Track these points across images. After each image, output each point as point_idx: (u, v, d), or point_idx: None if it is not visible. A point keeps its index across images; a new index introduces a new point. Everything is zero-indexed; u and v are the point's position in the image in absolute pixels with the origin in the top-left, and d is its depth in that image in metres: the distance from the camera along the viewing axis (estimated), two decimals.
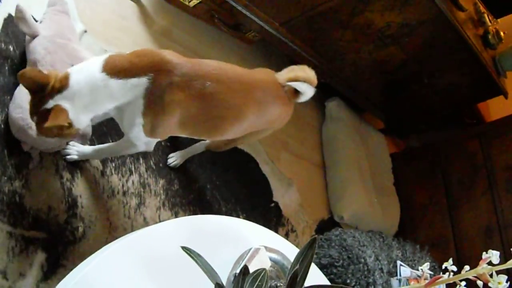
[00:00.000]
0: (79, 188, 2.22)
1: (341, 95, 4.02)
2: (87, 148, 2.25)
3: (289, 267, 1.51)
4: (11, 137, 2.02)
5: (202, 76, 1.95)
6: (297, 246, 3.24)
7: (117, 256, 1.26)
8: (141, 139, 2.02)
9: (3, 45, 2.13)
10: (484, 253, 1.15)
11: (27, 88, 1.76)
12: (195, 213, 2.72)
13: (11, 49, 2.16)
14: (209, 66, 2.02)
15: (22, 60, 2.16)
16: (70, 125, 1.80)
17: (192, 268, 1.19)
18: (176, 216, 2.62)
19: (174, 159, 2.72)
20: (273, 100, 2.26)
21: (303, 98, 2.36)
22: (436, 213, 4.21)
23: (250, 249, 1.49)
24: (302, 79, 2.26)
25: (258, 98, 2.18)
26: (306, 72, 2.29)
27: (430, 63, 3.50)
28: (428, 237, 4.16)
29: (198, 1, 2.96)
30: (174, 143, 2.78)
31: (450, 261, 1.19)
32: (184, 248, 1.20)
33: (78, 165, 2.25)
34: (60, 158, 2.18)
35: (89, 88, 1.79)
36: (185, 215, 2.66)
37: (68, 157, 2.22)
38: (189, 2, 2.98)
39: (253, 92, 2.15)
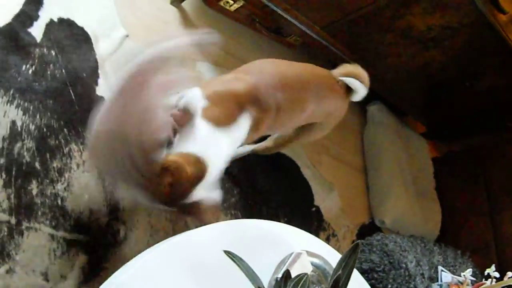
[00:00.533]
0: (121, 191, 2.22)
1: (382, 99, 4.00)
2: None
3: (330, 272, 1.50)
4: (53, 141, 2.04)
5: (273, 91, 2.02)
6: (338, 251, 3.22)
7: (158, 260, 1.26)
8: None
9: (45, 50, 2.15)
10: None
11: (171, 189, 1.66)
12: (236, 217, 2.72)
13: (53, 54, 2.18)
14: (273, 77, 2.07)
15: (64, 65, 2.18)
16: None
17: (234, 272, 1.19)
18: (217, 220, 2.61)
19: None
20: (329, 93, 2.34)
21: (356, 97, 2.46)
22: (477, 218, 4.16)
23: (292, 253, 1.49)
24: (353, 75, 2.36)
25: (316, 90, 2.24)
26: (358, 69, 2.40)
27: (471, 66, 3.46)
28: (469, 243, 4.11)
29: (239, 6, 2.96)
30: None
31: (493, 267, 1.17)
32: (226, 252, 1.20)
33: None
34: None
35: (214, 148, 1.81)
36: (226, 219, 2.66)
37: None
38: (230, 6, 2.98)
39: (311, 86, 2.22)
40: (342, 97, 2.41)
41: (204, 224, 1.60)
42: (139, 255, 1.31)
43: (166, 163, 1.61)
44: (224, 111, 1.85)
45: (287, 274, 1.22)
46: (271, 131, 2.33)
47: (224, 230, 1.48)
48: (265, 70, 2.09)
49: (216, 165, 1.76)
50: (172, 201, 1.68)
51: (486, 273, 1.61)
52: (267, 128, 2.12)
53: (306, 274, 1.22)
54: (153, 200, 1.67)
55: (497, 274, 1.90)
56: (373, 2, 2.76)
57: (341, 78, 2.35)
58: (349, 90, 2.41)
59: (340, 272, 1.21)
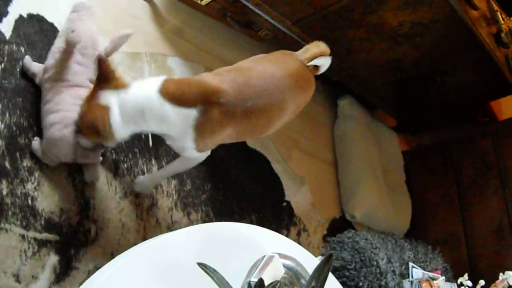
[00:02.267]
0: (91, 190, 2.22)
1: (353, 93, 4.01)
2: (145, 178, 2.42)
3: (303, 273, 1.52)
4: (22, 140, 2.02)
5: (245, 97, 2.00)
6: (308, 246, 3.25)
7: (131, 266, 1.25)
8: (195, 155, 2.12)
9: (14, 46, 2.13)
10: (501, 274, 1.14)
11: (98, 73, 1.91)
12: (207, 214, 2.72)
13: (22, 50, 2.15)
14: (245, 85, 2.04)
15: (34, 61, 2.15)
16: (109, 129, 1.88)
17: (208, 279, 1.19)
18: (188, 217, 2.61)
19: None
20: (305, 84, 2.33)
21: (322, 70, 2.48)
22: (447, 211, 4.18)
23: (264, 256, 1.49)
24: (319, 54, 2.34)
25: (294, 91, 2.24)
26: (319, 46, 2.38)
27: (443, 62, 3.48)
28: (439, 235, 4.13)
29: (210, 0, 2.95)
30: None
31: (466, 276, 1.18)
32: (200, 264, 1.19)
33: None
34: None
35: (145, 102, 1.88)
36: (197, 215, 2.67)
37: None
38: (201, 0, 2.97)
39: (290, 87, 2.21)
40: (313, 82, 2.41)
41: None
42: (112, 261, 1.30)
43: None
44: (179, 91, 1.91)
45: (260, 283, 1.23)
46: (246, 137, 2.29)
47: (196, 233, 1.47)
48: (238, 78, 2.05)
49: (131, 105, 1.91)
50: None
51: (459, 281, 1.62)
52: (235, 136, 2.14)
53: (278, 281, 1.23)
54: None
55: (469, 283, 1.91)
56: None
57: (309, 63, 2.34)
58: (315, 67, 2.42)
59: (313, 283, 1.21)
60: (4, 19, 2.13)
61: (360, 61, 3.43)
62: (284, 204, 3.31)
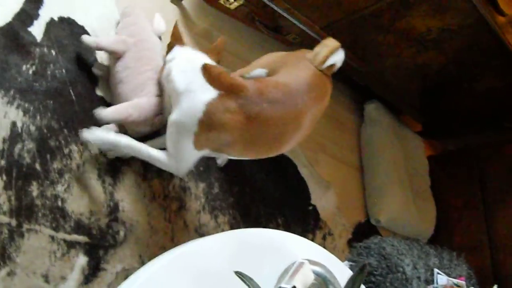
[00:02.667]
0: (121, 192, 2.23)
1: (379, 97, 4.00)
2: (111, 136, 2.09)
3: (331, 280, 1.51)
4: (53, 142, 2.04)
5: (261, 100, 1.98)
6: (333, 249, 3.25)
7: (166, 272, 1.25)
8: (180, 156, 2.04)
9: (45, 49, 2.14)
10: None
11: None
12: (234, 217, 2.72)
13: (53, 53, 2.17)
14: (269, 86, 2.05)
15: (64, 64, 2.17)
16: None
17: (241, 283, 1.19)
18: (216, 220, 2.62)
19: (222, 159, 2.74)
20: (320, 93, 2.25)
21: (338, 66, 2.39)
22: (472, 217, 4.16)
23: (294, 263, 1.49)
24: (330, 54, 2.27)
25: (310, 104, 2.17)
26: (328, 45, 2.32)
27: (470, 67, 3.45)
28: (463, 242, 4.11)
29: (239, 4, 2.95)
30: None
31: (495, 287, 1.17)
32: (237, 273, 1.20)
33: (120, 170, 2.26)
34: (101, 163, 2.18)
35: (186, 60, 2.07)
36: (224, 219, 2.67)
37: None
38: (230, 4, 2.97)
39: (307, 100, 2.14)
40: (329, 86, 2.35)
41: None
42: (145, 266, 1.30)
43: None
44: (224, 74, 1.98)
45: None
46: (253, 150, 2.17)
47: (227, 240, 1.47)
48: (265, 83, 2.08)
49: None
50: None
51: None
52: (241, 145, 2.05)
53: None
54: None
55: None
56: (374, 3, 2.75)
57: (324, 66, 2.27)
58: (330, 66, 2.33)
59: None
60: (35, 22, 2.15)
61: (388, 66, 3.42)
62: (310, 208, 3.31)
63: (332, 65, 2.32)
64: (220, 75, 1.94)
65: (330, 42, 2.32)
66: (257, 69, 2.42)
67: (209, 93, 1.91)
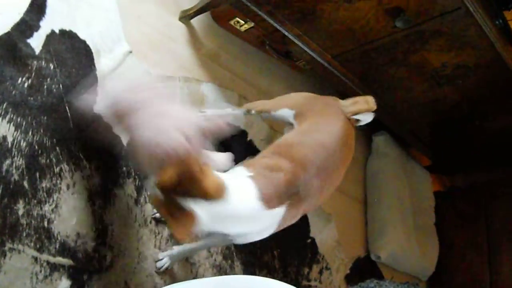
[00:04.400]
0: (111, 215, 2.17)
1: (388, 129, 3.93)
2: (176, 251, 2.32)
3: None
4: (44, 160, 1.97)
5: (310, 179, 1.97)
6: (329, 284, 3.17)
7: None
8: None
9: (43, 62, 2.08)
10: None
11: (179, 174, 1.61)
12: (228, 247, 2.65)
13: (51, 67, 2.10)
14: (311, 163, 2.01)
15: (62, 79, 2.11)
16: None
17: None
18: (209, 249, 2.55)
19: None
20: (348, 142, 2.28)
21: (361, 124, 2.41)
22: (475, 257, 4.10)
23: None
24: (365, 111, 2.32)
25: (343, 154, 2.21)
26: (369, 104, 2.35)
27: (483, 105, 3.40)
28: (464, 282, 4.06)
29: (249, 26, 2.90)
30: None
31: None
32: None
33: (112, 192, 2.19)
34: (93, 184, 2.12)
35: (243, 213, 1.78)
36: (218, 248, 2.60)
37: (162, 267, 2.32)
38: (241, 26, 2.93)
39: (340, 152, 2.18)
40: (354, 135, 2.35)
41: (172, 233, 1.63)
42: None
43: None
44: (274, 190, 1.84)
45: None
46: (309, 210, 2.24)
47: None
48: (308, 157, 2.02)
49: (228, 214, 1.74)
50: (168, 186, 1.63)
51: None
52: (304, 211, 2.09)
53: None
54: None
55: None
56: (389, 34, 2.69)
57: (353, 116, 2.30)
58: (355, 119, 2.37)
59: None
60: (35, 34, 2.08)
61: (399, 99, 3.36)
62: (309, 240, 3.23)
63: (357, 119, 2.35)
64: (277, 193, 1.86)
65: (371, 101, 2.36)
66: (284, 109, 2.40)
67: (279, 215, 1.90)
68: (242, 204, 1.75)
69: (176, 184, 1.60)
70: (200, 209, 1.65)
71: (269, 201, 1.80)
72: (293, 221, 2.02)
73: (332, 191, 2.23)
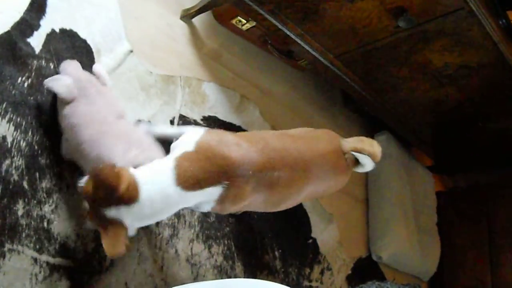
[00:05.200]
0: None
1: (390, 129, 3.92)
2: None
3: None
4: (43, 160, 1.96)
5: (270, 169, 1.91)
6: (331, 285, 3.16)
7: None
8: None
9: (43, 62, 2.06)
10: None
11: (94, 186, 1.65)
12: (228, 247, 2.64)
13: (51, 67, 2.08)
14: (276, 153, 1.96)
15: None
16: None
17: None
18: (209, 250, 2.54)
19: None
20: (332, 172, 2.20)
21: (361, 169, 2.33)
22: (477, 257, 4.10)
23: None
24: (367, 153, 2.21)
25: (317, 173, 2.12)
26: (373, 147, 2.25)
27: (486, 106, 3.39)
28: (465, 282, 4.06)
29: (251, 26, 2.89)
30: None
31: None
32: None
33: None
34: None
35: (162, 203, 1.73)
36: (218, 249, 2.59)
37: None
38: (243, 25, 2.92)
39: (313, 168, 2.09)
40: (346, 173, 2.30)
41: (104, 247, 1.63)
42: None
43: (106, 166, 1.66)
44: (198, 173, 1.75)
45: None
46: (261, 209, 2.18)
47: None
48: (270, 145, 1.96)
49: (150, 207, 1.71)
50: (92, 201, 1.68)
51: None
52: (254, 205, 2.03)
53: None
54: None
55: None
56: (392, 34, 2.68)
57: (352, 153, 2.23)
58: (356, 160, 2.28)
59: None
60: (35, 33, 2.06)
61: (401, 99, 3.36)
62: (310, 241, 3.22)
63: (357, 162, 2.29)
64: (206, 172, 1.79)
65: (377, 148, 2.28)
66: None
67: (214, 194, 1.85)
68: (157, 196, 1.71)
69: (93, 194, 1.64)
70: (124, 215, 1.66)
71: (194, 183, 1.74)
72: (239, 204, 1.92)
73: (298, 199, 2.20)
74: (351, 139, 2.30)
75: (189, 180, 1.72)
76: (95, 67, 2.12)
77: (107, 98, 2.03)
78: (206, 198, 1.79)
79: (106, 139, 1.90)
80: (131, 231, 1.72)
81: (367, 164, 2.27)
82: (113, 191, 1.61)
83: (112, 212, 1.64)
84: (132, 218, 1.68)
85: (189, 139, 1.83)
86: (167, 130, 2.27)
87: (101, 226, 1.67)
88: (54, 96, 1.99)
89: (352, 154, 2.22)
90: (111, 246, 1.63)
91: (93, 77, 2.04)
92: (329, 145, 2.21)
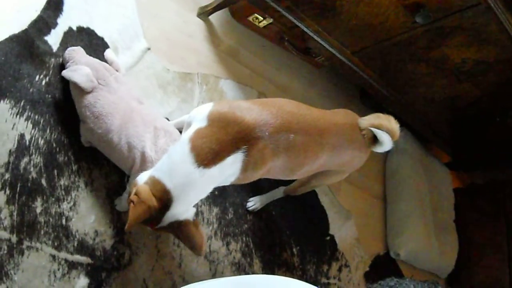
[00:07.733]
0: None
1: (408, 125, 3.89)
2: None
3: None
4: (62, 157, 1.97)
5: (286, 131, 1.90)
6: (349, 282, 3.15)
7: None
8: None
9: (61, 60, 2.07)
10: None
11: (135, 220, 1.68)
12: (247, 244, 2.63)
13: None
14: (291, 116, 1.94)
15: None
16: None
17: None
18: (227, 247, 2.53)
19: (253, 203, 2.72)
20: (348, 144, 2.19)
21: (380, 149, 2.29)
22: (494, 255, 4.05)
23: None
24: (385, 129, 2.18)
25: (332, 141, 2.10)
26: (391, 123, 2.22)
27: (504, 102, 3.35)
28: (483, 279, 4.02)
29: (268, 23, 2.89)
30: (253, 188, 2.76)
31: None
32: None
33: None
34: (111, 181, 2.10)
35: (194, 189, 1.76)
36: (236, 246, 2.59)
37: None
38: (260, 22, 2.91)
39: (328, 136, 2.08)
40: (363, 150, 2.29)
41: (190, 242, 1.78)
42: None
43: (133, 195, 1.70)
44: (215, 146, 1.74)
45: None
46: (279, 175, 2.12)
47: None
48: (284, 108, 1.94)
49: (186, 199, 1.77)
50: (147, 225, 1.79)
51: None
52: (273, 170, 1.99)
53: None
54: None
55: None
56: (409, 30, 2.66)
57: (370, 128, 2.20)
58: (374, 139, 2.25)
59: None
60: (53, 31, 2.07)
61: (418, 95, 3.33)
62: (328, 238, 3.21)
63: (376, 140, 2.26)
64: (222, 142, 1.79)
65: (394, 124, 2.24)
66: None
67: (238, 162, 1.85)
68: (186, 187, 1.74)
69: (143, 223, 1.75)
70: (176, 213, 1.76)
71: (215, 156, 1.74)
72: (262, 168, 1.90)
73: (314, 166, 2.15)
74: (368, 116, 2.27)
75: (208, 156, 1.72)
76: (107, 53, 2.14)
77: (126, 84, 2.04)
78: (231, 169, 1.78)
79: (134, 128, 1.92)
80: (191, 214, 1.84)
81: (386, 142, 2.23)
82: (151, 212, 1.68)
83: (167, 220, 1.74)
84: (181, 210, 1.77)
85: (200, 115, 1.82)
86: (182, 117, 2.29)
87: (174, 233, 1.80)
88: (68, 89, 2.00)
89: (370, 131, 2.20)
90: (198, 241, 1.81)
91: (106, 64, 2.06)
92: (345, 118, 2.22)
